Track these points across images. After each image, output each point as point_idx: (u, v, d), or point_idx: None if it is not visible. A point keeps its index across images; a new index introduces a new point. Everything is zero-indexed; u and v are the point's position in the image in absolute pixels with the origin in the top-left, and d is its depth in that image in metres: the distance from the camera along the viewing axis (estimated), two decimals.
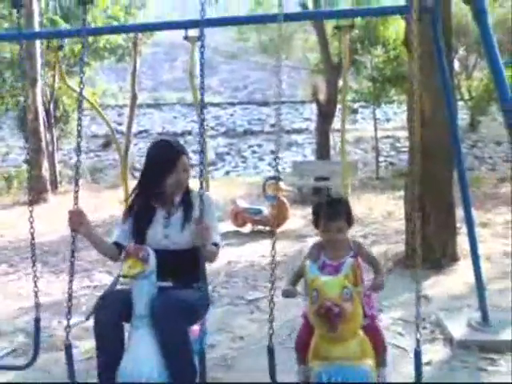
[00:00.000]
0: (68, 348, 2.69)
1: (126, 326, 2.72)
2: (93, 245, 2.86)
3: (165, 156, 2.86)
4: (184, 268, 2.77)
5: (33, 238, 2.97)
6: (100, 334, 2.65)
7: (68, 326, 2.67)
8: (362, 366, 2.39)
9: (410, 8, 3.05)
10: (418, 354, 2.56)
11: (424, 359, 3.35)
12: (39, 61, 12.46)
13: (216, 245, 2.84)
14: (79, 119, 2.76)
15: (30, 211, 2.92)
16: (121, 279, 2.94)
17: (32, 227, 2.93)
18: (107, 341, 2.64)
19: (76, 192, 2.70)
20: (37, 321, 3.02)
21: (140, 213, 2.89)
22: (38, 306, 3.02)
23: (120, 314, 2.65)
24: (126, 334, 2.71)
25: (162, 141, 3.05)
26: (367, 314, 2.65)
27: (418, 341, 2.55)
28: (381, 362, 2.67)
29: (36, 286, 2.99)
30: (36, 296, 3.00)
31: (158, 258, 2.65)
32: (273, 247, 2.60)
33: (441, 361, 3.45)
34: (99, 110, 5.63)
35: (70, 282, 2.70)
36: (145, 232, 2.84)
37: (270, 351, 2.59)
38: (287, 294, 2.62)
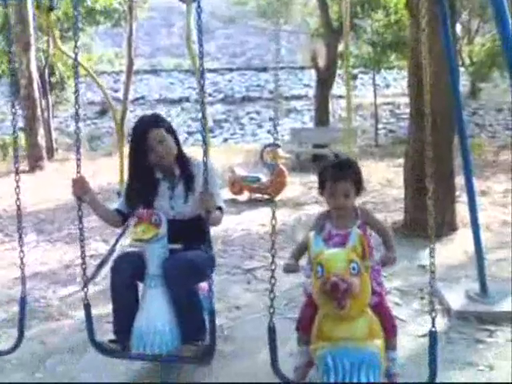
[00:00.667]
0: (87, 307, 2.82)
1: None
2: (95, 211, 2.98)
3: (136, 132, 2.97)
4: (191, 234, 2.89)
5: (19, 209, 2.87)
6: (116, 292, 2.87)
7: (85, 287, 2.79)
8: (369, 347, 2.20)
9: None
10: (433, 335, 2.35)
11: (421, 330, 3.37)
12: (32, 24, 12.18)
13: (220, 208, 2.95)
14: (76, 86, 2.71)
15: (17, 181, 2.84)
16: (126, 244, 3.02)
17: (18, 199, 2.83)
18: (123, 299, 2.86)
19: (78, 160, 2.73)
20: (22, 299, 2.89)
21: (145, 186, 2.99)
22: (24, 283, 2.89)
23: (134, 274, 2.86)
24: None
25: (139, 117, 3.13)
26: (375, 291, 2.43)
27: (433, 320, 2.35)
28: (390, 344, 2.47)
29: (22, 262, 2.85)
30: (22, 273, 2.87)
31: (167, 226, 2.84)
32: (273, 216, 2.43)
33: (439, 332, 3.37)
34: (94, 77, 5.51)
35: (82, 247, 2.77)
36: (152, 204, 2.96)
37: (271, 332, 2.44)
38: (288, 269, 2.47)
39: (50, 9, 4.09)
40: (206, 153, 2.59)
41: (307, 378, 2.58)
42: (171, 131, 3.02)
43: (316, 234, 2.39)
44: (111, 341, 2.91)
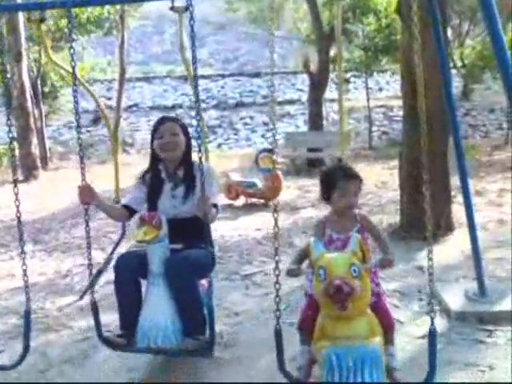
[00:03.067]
0: (94, 306, 3.03)
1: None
2: (104, 212, 3.23)
3: (154, 124, 3.24)
4: (191, 233, 3.04)
5: (19, 222, 2.84)
6: (120, 288, 3.00)
7: (92, 285, 3.11)
8: (371, 345, 2.29)
9: None
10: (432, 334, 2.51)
11: (421, 332, 3.37)
12: (23, 34, 12.16)
13: (215, 206, 3.05)
14: (75, 97, 2.80)
15: (16, 193, 2.83)
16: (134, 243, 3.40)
17: (18, 211, 2.83)
18: (127, 294, 3.00)
19: (82, 168, 2.85)
20: (27, 312, 2.91)
21: (151, 185, 3.20)
22: (28, 297, 2.91)
23: (136, 271, 3.00)
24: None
25: None
26: (373, 292, 2.51)
27: (431, 319, 2.51)
28: (389, 340, 2.60)
29: (26, 274, 2.86)
30: (26, 286, 2.88)
31: (169, 225, 2.97)
32: (275, 224, 2.56)
33: (438, 333, 3.41)
34: (87, 88, 5.49)
35: (88, 248, 2.92)
36: (155, 202, 3.16)
37: (278, 334, 2.51)
38: (292, 274, 2.51)
39: (41, 20, 4.02)
40: (200, 159, 2.72)
41: (312, 376, 2.65)
42: (186, 134, 3.22)
43: (316, 239, 2.48)
44: (118, 335, 3.02)
